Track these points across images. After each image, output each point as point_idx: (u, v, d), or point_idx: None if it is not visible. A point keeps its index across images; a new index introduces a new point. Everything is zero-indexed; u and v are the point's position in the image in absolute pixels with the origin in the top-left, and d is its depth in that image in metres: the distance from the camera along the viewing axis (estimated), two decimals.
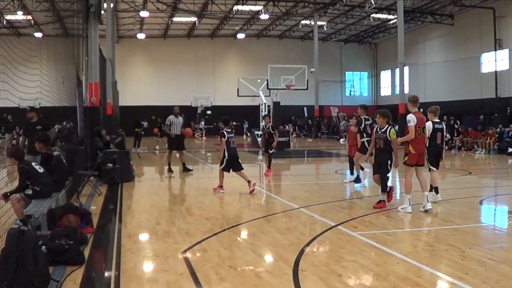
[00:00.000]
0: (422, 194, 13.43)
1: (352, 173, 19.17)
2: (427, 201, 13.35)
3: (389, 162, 13.59)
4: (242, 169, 17.30)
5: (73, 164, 17.77)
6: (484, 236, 11.04)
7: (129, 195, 17.24)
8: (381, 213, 13.40)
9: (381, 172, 13.82)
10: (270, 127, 22.66)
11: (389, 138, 13.41)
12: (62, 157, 13.25)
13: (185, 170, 23.15)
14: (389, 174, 13.81)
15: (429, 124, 14.48)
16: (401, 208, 13.39)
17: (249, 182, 16.93)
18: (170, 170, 23.09)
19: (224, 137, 16.81)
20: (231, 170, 17.03)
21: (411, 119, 13.46)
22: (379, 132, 13.69)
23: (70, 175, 15.92)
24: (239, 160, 17.31)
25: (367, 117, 18.89)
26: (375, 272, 8.17)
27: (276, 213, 13.75)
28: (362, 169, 18.97)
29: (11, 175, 12.74)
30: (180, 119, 23.67)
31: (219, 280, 7.84)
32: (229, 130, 17.54)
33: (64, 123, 25.60)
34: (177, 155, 23.49)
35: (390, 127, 13.64)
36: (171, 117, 23.48)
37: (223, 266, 8.54)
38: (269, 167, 22.41)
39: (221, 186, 17.02)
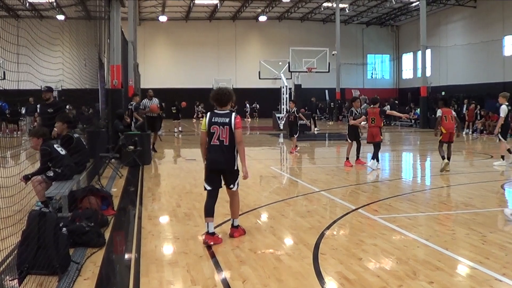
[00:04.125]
0: None
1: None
2: None
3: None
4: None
5: (94, 146, 17.87)
6: (505, 221, 10.98)
7: (150, 177, 17.33)
8: (402, 197, 13.38)
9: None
10: (295, 111, 24.67)
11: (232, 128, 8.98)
12: (82, 139, 13.29)
13: (153, 150, 23.64)
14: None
15: (504, 107, 18.49)
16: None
17: None
18: (154, 150, 23.63)
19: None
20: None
21: None
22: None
23: (92, 157, 16.00)
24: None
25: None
26: (395, 256, 8.15)
27: (297, 196, 13.77)
28: None
29: (32, 157, 12.80)
30: (154, 101, 24.36)
31: (239, 263, 7.86)
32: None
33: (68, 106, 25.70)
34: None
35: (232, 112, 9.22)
36: (145, 100, 24.30)
37: (243, 249, 8.56)
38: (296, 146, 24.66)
39: None
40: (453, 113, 18.44)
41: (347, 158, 19.56)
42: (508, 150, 19.44)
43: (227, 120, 8.94)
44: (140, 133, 20.58)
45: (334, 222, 10.55)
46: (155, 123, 24.28)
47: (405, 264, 7.73)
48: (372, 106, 19.17)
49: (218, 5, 60.42)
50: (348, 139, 19.73)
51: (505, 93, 19.36)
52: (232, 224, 9.46)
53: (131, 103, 23.65)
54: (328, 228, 9.99)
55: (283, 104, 44.83)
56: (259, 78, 50.47)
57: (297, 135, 24.93)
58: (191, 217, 11.00)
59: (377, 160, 18.75)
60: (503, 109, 18.83)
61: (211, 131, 8.96)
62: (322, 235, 9.41)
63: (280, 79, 46.44)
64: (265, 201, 12.86)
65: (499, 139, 19.60)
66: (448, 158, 17.92)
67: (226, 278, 7.25)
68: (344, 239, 9.32)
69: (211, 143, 8.98)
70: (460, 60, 56.24)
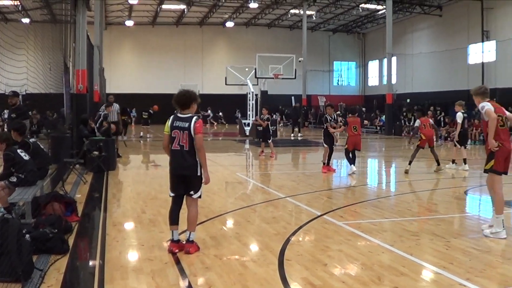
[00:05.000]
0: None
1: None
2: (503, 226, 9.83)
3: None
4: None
5: (58, 151, 17.70)
6: (469, 226, 11.07)
7: (115, 183, 17.19)
8: (367, 203, 13.45)
9: None
10: (267, 118, 26.06)
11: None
12: (39, 144, 13.12)
13: (117, 155, 23.53)
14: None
15: (460, 114, 19.74)
16: (491, 233, 9.78)
17: None
18: (118, 155, 23.56)
19: None
20: None
21: (485, 104, 9.90)
22: None
23: (55, 162, 15.85)
24: None
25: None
26: (360, 261, 8.18)
27: (262, 202, 13.74)
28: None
29: None
30: (116, 106, 24.94)
31: (204, 269, 7.82)
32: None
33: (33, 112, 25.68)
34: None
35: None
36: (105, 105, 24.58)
37: (208, 255, 8.52)
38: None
39: None
40: (431, 121, 20.05)
41: (324, 163, 19.69)
42: (464, 160, 20.49)
43: (187, 124, 8.62)
44: (104, 138, 20.43)
45: (300, 228, 10.56)
46: (117, 128, 24.35)
47: (370, 269, 7.76)
48: (351, 115, 19.63)
49: (185, 10, 60.37)
50: (324, 144, 19.82)
51: (460, 101, 20.20)
52: (188, 239, 8.81)
53: (105, 112, 23.69)
54: (293, 234, 9.99)
55: (249, 111, 44.90)
56: (226, 84, 50.49)
57: (270, 140, 25.70)
58: (156, 224, 10.94)
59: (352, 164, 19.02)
60: (459, 116, 19.86)
61: (173, 135, 8.68)
62: (287, 241, 9.40)
63: (247, 85, 46.50)
64: (230, 207, 12.84)
65: (455, 145, 20.97)
66: (437, 161, 19.79)
67: (191, 284, 7.21)
68: (309, 245, 9.33)
69: (172, 148, 8.71)
70: (426, 68, 56.84)
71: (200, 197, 8.91)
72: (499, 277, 7.48)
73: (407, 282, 7.24)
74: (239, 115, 61.84)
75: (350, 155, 19.05)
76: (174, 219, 8.89)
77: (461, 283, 7.16)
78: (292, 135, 44.13)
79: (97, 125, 22.45)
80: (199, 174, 8.73)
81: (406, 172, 18.90)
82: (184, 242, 8.83)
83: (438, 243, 9.26)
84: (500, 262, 8.24)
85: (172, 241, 8.81)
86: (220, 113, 65.84)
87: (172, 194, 8.95)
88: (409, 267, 7.90)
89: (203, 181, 8.82)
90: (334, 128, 19.57)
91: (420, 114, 20.37)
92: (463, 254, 8.55)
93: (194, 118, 8.70)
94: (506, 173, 10.11)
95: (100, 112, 23.60)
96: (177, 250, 8.67)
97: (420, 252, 8.69)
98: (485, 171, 10.13)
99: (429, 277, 7.62)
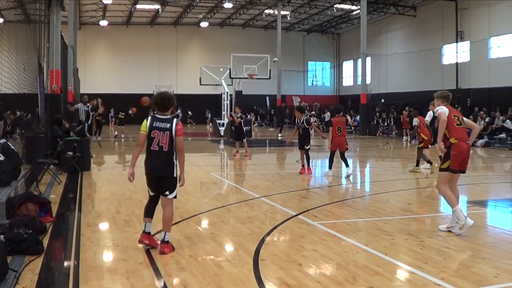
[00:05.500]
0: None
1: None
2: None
3: None
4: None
5: (33, 152, 17.58)
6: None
7: (89, 183, 17.11)
8: (342, 203, 13.51)
9: None
10: (240, 116, 26.47)
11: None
12: (10, 144, 13.04)
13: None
14: None
15: (430, 113, 18.63)
16: (460, 229, 9.91)
17: None
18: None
19: None
20: None
21: (440, 107, 10.32)
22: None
23: (29, 162, 15.73)
24: None
25: None
26: (335, 261, 8.22)
27: (237, 202, 13.74)
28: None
29: None
30: (89, 106, 25.00)
31: (179, 270, 7.82)
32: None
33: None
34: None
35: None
36: (80, 105, 25.08)
37: (183, 255, 8.51)
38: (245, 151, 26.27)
39: None
40: (425, 120, 19.55)
41: (303, 165, 19.54)
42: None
43: (168, 125, 8.58)
44: (79, 139, 20.33)
45: (275, 228, 10.58)
46: (89, 128, 24.47)
47: (344, 269, 7.80)
48: (336, 115, 18.95)
49: (160, 10, 60.18)
50: (299, 149, 19.68)
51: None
52: (163, 239, 8.76)
53: (88, 104, 23.92)
54: (268, 234, 10.01)
55: (224, 111, 44.88)
56: (200, 84, 50.43)
57: (245, 139, 26.25)
58: (130, 224, 10.91)
59: (330, 168, 18.91)
60: (429, 114, 19.29)
61: (151, 136, 8.60)
62: (262, 241, 9.43)
63: (221, 85, 46.48)
64: (205, 207, 12.83)
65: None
66: (418, 162, 19.99)
67: (166, 285, 7.21)
68: (284, 245, 9.35)
69: (151, 149, 8.63)
70: (400, 68, 57.11)
71: (175, 197, 8.87)
72: (474, 276, 7.53)
73: (382, 281, 7.28)
74: (209, 115, 61.87)
75: (336, 158, 18.74)
76: (147, 213, 8.94)
77: (435, 283, 7.21)
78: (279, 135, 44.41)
79: (89, 121, 22.58)
80: (175, 175, 8.72)
81: (432, 171, 19.02)
82: (153, 236, 8.92)
83: (413, 242, 9.33)
84: (474, 261, 8.31)
85: (144, 232, 8.84)
86: (190, 113, 65.55)
87: (151, 194, 8.96)
88: (384, 266, 7.95)
89: (179, 182, 8.81)
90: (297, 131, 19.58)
91: (417, 113, 20.21)
92: (437, 254, 8.62)
93: (175, 120, 8.70)
94: (463, 172, 10.43)
95: (86, 109, 23.83)
96: (147, 241, 8.76)
97: (394, 252, 8.75)
98: (440, 169, 10.24)
99: (403, 276, 7.67)
